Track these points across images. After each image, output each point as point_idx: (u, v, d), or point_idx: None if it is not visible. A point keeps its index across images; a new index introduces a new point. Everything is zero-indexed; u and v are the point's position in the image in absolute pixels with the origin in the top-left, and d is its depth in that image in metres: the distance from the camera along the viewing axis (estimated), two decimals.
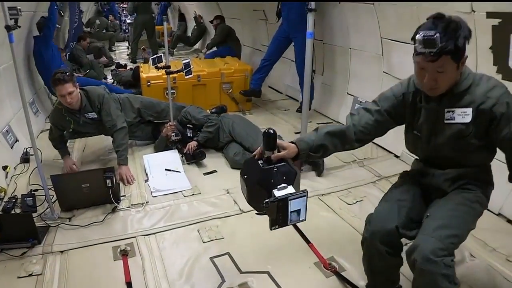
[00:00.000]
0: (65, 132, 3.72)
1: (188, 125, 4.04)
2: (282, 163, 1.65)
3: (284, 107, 5.70)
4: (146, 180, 3.52)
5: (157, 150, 4.04)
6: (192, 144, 3.82)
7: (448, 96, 1.73)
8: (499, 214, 2.89)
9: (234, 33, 7.81)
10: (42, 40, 5.27)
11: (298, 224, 2.84)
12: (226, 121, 4.05)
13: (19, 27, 2.76)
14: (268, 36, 6.96)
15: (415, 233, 1.80)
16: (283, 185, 1.56)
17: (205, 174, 3.68)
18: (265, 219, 2.90)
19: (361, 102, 4.61)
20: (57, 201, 3.05)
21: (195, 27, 11.01)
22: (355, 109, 1.96)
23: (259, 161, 1.67)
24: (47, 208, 3.01)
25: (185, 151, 3.83)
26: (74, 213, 3.03)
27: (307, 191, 1.57)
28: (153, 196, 3.26)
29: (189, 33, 11.81)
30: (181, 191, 3.32)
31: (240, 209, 3.06)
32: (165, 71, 3.85)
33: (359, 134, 1.91)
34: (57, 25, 5.99)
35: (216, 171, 3.72)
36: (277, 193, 1.54)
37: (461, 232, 1.71)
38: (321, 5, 4.76)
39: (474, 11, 2.87)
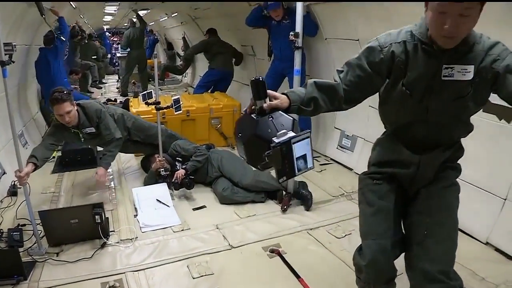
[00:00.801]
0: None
1: (177, 158, 4.07)
2: (276, 112, 1.52)
3: None
4: (136, 215, 3.50)
5: (147, 185, 4.02)
6: (180, 172, 3.82)
7: (451, 51, 1.57)
8: (487, 243, 2.94)
9: (218, 47, 7.29)
10: (52, 51, 5.49)
11: (287, 259, 2.86)
12: (215, 156, 4.09)
13: (13, 62, 2.81)
14: (256, 72, 7.11)
15: (402, 248, 1.83)
16: (282, 131, 1.44)
17: (194, 209, 3.67)
18: (253, 255, 2.90)
19: (348, 136, 4.71)
20: (45, 236, 3.00)
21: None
22: (342, 66, 1.79)
23: (251, 115, 1.53)
24: (34, 243, 2.97)
25: (173, 180, 3.83)
26: (62, 248, 2.98)
27: (310, 131, 1.47)
28: (142, 232, 3.24)
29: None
30: (170, 227, 3.31)
31: (229, 244, 3.05)
32: (155, 107, 3.90)
33: (345, 92, 1.72)
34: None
35: (205, 207, 3.72)
36: (278, 140, 1.41)
37: (457, 242, 1.76)
38: (308, 41, 4.92)
39: None
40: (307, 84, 1.69)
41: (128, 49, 9.64)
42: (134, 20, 9.65)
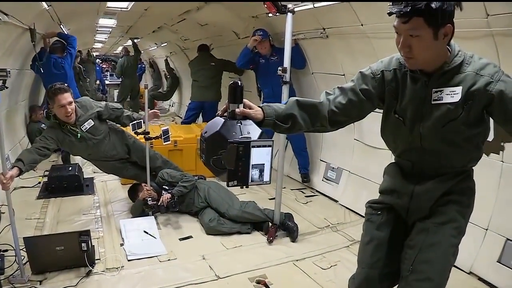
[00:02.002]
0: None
1: (164, 186, 4.08)
2: (247, 120, 1.49)
3: None
4: (122, 244, 3.47)
5: (134, 214, 4.02)
6: (166, 196, 3.82)
7: (437, 74, 1.61)
8: (470, 273, 3.00)
9: (195, 71, 6.77)
10: (67, 59, 5.61)
11: None
12: (201, 187, 4.11)
13: (7, 87, 2.84)
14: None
15: (396, 280, 1.83)
16: (246, 135, 1.39)
17: (180, 239, 3.66)
18: (239, 285, 2.89)
19: (333, 168, 4.79)
20: (28, 263, 2.94)
21: (168, 77, 11.05)
22: (332, 88, 1.83)
23: (222, 117, 1.49)
24: (16, 270, 2.90)
25: (159, 204, 3.82)
26: (46, 276, 2.94)
27: (272, 141, 1.38)
28: (129, 260, 3.21)
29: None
30: (156, 256, 3.29)
31: (216, 275, 3.04)
32: (144, 137, 3.95)
33: (331, 114, 1.74)
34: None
35: (192, 237, 3.70)
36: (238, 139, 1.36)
37: (446, 281, 1.73)
38: (296, 76, 5.07)
39: None
40: (288, 101, 1.71)
41: (122, 77, 9.72)
42: (128, 48, 9.78)
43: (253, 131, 1.44)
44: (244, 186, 1.40)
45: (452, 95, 1.59)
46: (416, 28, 1.47)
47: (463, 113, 1.59)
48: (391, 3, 1.50)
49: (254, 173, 1.38)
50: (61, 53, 5.63)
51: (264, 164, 1.39)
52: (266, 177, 1.41)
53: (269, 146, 1.38)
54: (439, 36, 1.49)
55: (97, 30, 8.72)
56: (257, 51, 5.03)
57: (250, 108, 1.53)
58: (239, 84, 1.47)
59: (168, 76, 11.02)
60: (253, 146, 1.35)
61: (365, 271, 1.88)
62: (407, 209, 1.86)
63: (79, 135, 3.67)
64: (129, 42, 10.97)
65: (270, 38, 4.92)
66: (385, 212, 1.92)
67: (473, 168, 1.84)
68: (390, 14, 1.52)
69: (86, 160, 4.50)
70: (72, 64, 5.77)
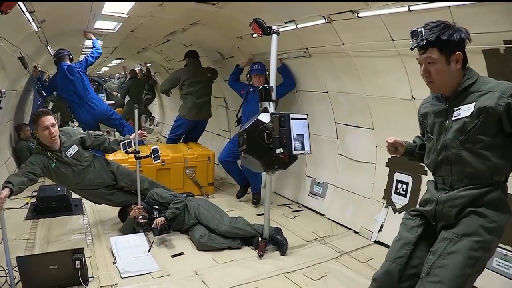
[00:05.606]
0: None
1: (154, 206, 4.12)
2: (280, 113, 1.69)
3: None
4: (114, 262, 3.47)
5: (125, 232, 4.03)
6: (160, 219, 3.87)
7: (454, 95, 1.96)
8: None
9: (189, 84, 6.06)
10: (82, 63, 5.87)
11: None
12: (191, 204, 4.16)
13: (1, 108, 2.89)
14: (228, 122, 7.31)
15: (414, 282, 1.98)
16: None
17: (172, 256, 3.69)
18: None
19: (319, 183, 4.91)
20: (20, 282, 2.93)
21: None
22: None
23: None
24: None
25: (152, 226, 3.86)
26: None
27: (307, 115, 1.61)
28: (122, 278, 3.23)
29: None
30: (150, 273, 3.31)
31: None
32: (135, 156, 4.01)
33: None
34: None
35: (184, 253, 3.74)
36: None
37: None
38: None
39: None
40: (415, 137, 2.38)
41: (128, 98, 9.75)
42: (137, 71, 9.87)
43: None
44: (289, 156, 1.59)
45: (467, 110, 1.90)
46: (431, 56, 1.88)
47: (478, 124, 1.87)
48: (411, 39, 1.91)
49: (297, 145, 1.63)
50: (69, 60, 5.80)
51: (303, 135, 1.66)
52: (307, 148, 1.66)
53: (304, 119, 1.67)
54: (451, 61, 1.88)
55: (82, 52, 8.75)
56: (252, 83, 5.01)
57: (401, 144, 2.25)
58: (267, 87, 1.79)
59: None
60: (292, 118, 1.62)
61: (387, 263, 2.08)
62: (434, 215, 2.07)
63: (63, 156, 3.71)
64: (117, 62, 11.02)
65: (266, 73, 4.87)
66: (418, 219, 2.16)
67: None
68: (412, 48, 1.93)
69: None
70: (86, 69, 5.92)
